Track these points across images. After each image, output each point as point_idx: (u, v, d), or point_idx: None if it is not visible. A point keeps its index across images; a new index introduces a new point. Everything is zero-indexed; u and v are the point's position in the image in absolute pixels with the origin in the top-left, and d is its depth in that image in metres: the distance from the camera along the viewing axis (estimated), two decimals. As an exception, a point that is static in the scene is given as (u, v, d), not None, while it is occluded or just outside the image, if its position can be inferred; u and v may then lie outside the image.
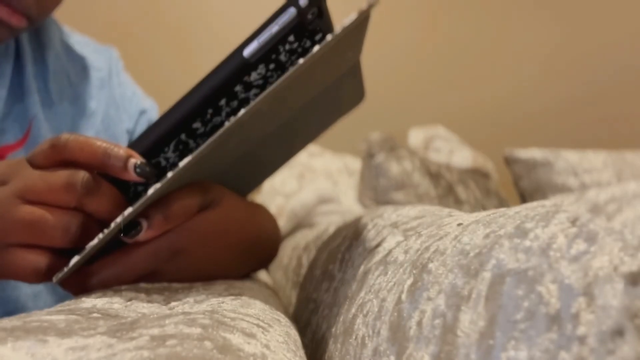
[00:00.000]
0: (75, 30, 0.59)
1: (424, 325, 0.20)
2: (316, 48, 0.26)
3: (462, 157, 1.24)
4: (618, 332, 0.13)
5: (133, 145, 0.32)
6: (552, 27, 1.57)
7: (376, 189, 1.02)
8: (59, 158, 0.29)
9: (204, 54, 1.25)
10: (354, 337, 0.25)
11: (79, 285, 0.31)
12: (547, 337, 0.15)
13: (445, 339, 0.18)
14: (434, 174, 1.06)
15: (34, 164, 0.30)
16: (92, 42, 0.59)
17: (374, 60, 1.29)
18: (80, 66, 0.55)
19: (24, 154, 0.46)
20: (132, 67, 0.69)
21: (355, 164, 1.22)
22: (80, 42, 0.57)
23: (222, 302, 0.27)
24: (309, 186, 1.01)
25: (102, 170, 0.30)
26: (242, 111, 0.27)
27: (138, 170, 0.30)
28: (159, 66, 1.31)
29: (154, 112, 0.62)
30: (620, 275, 0.14)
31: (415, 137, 1.29)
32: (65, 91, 0.52)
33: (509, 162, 1.25)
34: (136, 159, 0.30)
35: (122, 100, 0.58)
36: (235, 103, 0.32)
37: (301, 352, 0.26)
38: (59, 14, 0.54)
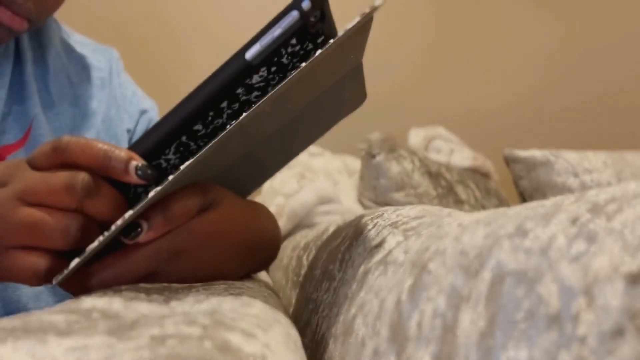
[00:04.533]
0: (75, 30, 0.59)
1: (424, 325, 0.20)
2: (319, 51, 0.26)
3: (462, 157, 1.24)
4: (618, 332, 0.13)
5: (134, 146, 0.32)
6: (553, 28, 1.57)
7: (376, 189, 1.02)
8: (60, 160, 0.29)
9: (205, 56, 1.25)
10: (354, 337, 0.25)
11: (79, 285, 0.31)
12: (547, 337, 0.15)
13: (445, 339, 0.18)
14: (434, 174, 1.06)
15: (35, 166, 0.30)
16: (92, 42, 0.59)
17: (375, 60, 1.29)
18: (80, 66, 0.55)
19: (23, 154, 0.46)
20: (132, 68, 0.69)
21: (355, 164, 1.22)
22: (80, 41, 0.57)
23: (222, 302, 0.27)
24: (309, 186, 1.01)
25: (103, 173, 0.30)
26: (244, 114, 0.27)
27: (139, 172, 0.30)
28: (158, 68, 1.31)
29: (154, 113, 0.62)
30: (620, 276, 0.14)
31: (415, 137, 1.29)
32: (66, 91, 0.52)
33: (509, 162, 1.25)
34: (137, 162, 0.30)
35: (122, 100, 0.58)
36: (236, 105, 0.32)
37: (301, 352, 0.26)
38: (59, 15, 0.54)
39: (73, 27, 0.58)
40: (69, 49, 0.55)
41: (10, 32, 0.42)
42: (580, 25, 1.57)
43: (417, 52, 1.50)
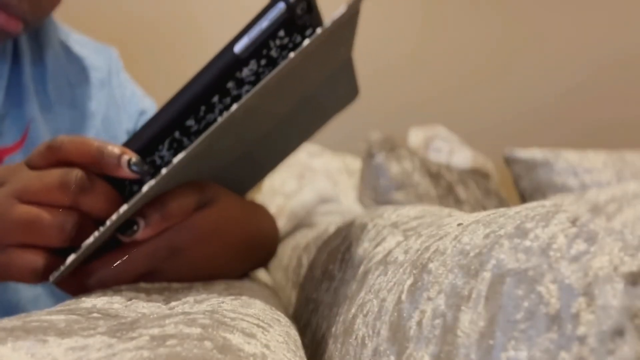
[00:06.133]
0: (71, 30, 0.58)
1: (424, 325, 0.20)
2: (307, 42, 0.26)
3: (462, 157, 1.23)
4: (618, 332, 0.13)
5: (127, 143, 0.32)
6: (553, 27, 1.57)
7: (376, 189, 1.02)
8: (55, 159, 0.30)
9: (202, 54, 1.25)
10: (354, 337, 0.25)
11: (76, 285, 0.31)
12: (547, 337, 0.15)
13: (445, 339, 0.18)
14: (434, 174, 1.06)
15: (31, 166, 0.30)
16: (91, 41, 0.59)
17: (375, 59, 1.29)
18: (79, 67, 0.55)
19: (21, 157, 0.46)
20: (130, 67, 0.69)
21: (355, 164, 1.22)
22: (79, 41, 0.57)
23: (222, 302, 0.27)
24: (309, 186, 1.01)
25: (97, 169, 0.30)
26: (235, 105, 0.27)
27: (133, 167, 0.30)
28: (156, 66, 1.31)
29: (154, 112, 0.62)
30: (620, 275, 0.14)
31: (415, 137, 1.29)
32: (64, 93, 0.51)
33: (509, 162, 1.25)
34: (130, 156, 0.30)
35: (122, 100, 0.58)
36: (228, 100, 0.32)
37: (301, 352, 0.26)
38: (57, 15, 0.54)
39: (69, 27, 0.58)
40: (67, 50, 0.54)
41: (6, 35, 0.42)
42: (581, 24, 1.57)
43: (417, 52, 1.50)
